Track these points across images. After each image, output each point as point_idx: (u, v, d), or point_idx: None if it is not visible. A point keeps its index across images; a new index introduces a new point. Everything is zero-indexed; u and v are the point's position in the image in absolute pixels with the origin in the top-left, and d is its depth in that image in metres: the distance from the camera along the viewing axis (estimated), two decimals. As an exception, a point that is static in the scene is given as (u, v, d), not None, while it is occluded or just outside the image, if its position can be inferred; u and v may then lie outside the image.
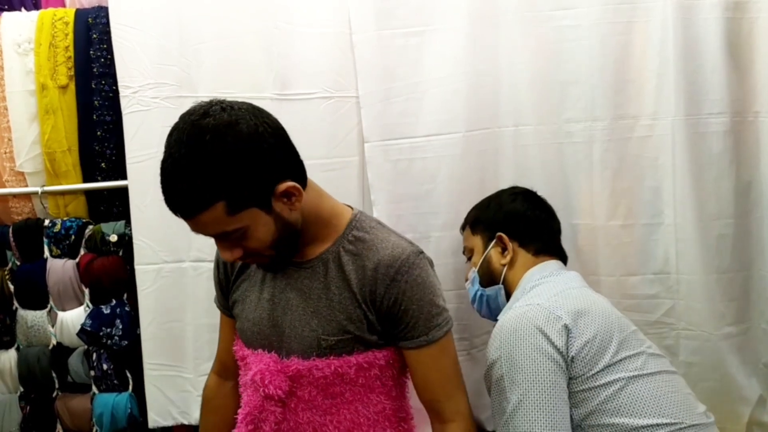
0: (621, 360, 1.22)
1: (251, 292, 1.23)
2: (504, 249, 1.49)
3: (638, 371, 1.21)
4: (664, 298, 1.69)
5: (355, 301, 1.13)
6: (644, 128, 1.67)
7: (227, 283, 1.30)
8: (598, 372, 1.20)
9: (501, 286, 1.49)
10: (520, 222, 1.50)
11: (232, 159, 0.98)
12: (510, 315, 1.28)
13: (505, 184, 1.68)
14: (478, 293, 1.53)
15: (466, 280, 1.60)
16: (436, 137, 1.72)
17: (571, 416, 1.19)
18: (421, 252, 1.18)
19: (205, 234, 1.05)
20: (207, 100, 1.04)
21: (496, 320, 1.35)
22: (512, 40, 1.69)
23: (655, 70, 1.65)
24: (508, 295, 1.47)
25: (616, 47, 1.66)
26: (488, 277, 1.51)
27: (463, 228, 1.64)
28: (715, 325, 1.67)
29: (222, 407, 1.39)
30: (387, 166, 1.75)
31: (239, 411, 1.20)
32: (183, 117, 1.02)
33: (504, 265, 1.47)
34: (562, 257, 1.52)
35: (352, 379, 1.15)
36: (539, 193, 1.58)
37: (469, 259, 1.60)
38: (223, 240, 1.07)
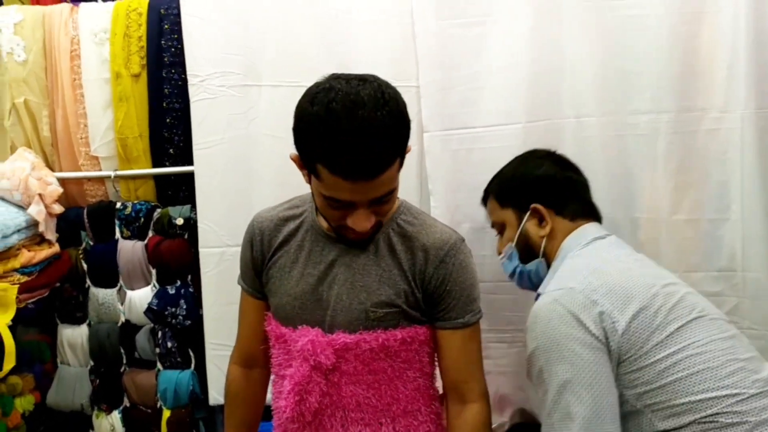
0: (671, 334, 1.15)
1: (292, 267, 1.24)
2: (541, 220, 1.41)
3: (690, 341, 1.15)
4: (729, 296, 1.64)
5: (404, 278, 1.19)
6: (712, 121, 1.61)
7: (262, 261, 1.28)
8: (649, 350, 1.14)
9: (541, 259, 1.42)
10: (552, 188, 1.42)
11: (405, 111, 1.07)
12: (545, 301, 1.23)
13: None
14: (518, 269, 1.47)
15: (499, 254, 1.52)
16: (496, 127, 1.72)
17: (627, 398, 1.15)
18: (464, 240, 1.25)
19: (371, 196, 1.07)
20: (323, 77, 1.09)
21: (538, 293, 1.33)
22: (576, 29, 1.66)
23: (726, 62, 1.59)
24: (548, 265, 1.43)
25: (685, 38, 1.61)
26: (527, 251, 1.44)
27: (485, 200, 1.56)
28: (781, 325, 1.61)
29: (251, 398, 1.38)
30: (446, 156, 1.75)
31: (284, 383, 1.21)
32: (337, 86, 1.03)
33: (543, 237, 1.40)
34: (597, 217, 1.46)
35: (395, 352, 1.19)
36: (601, 186, 1.54)
37: (500, 233, 1.52)
38: (375, 204, 1.09)
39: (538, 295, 1.32)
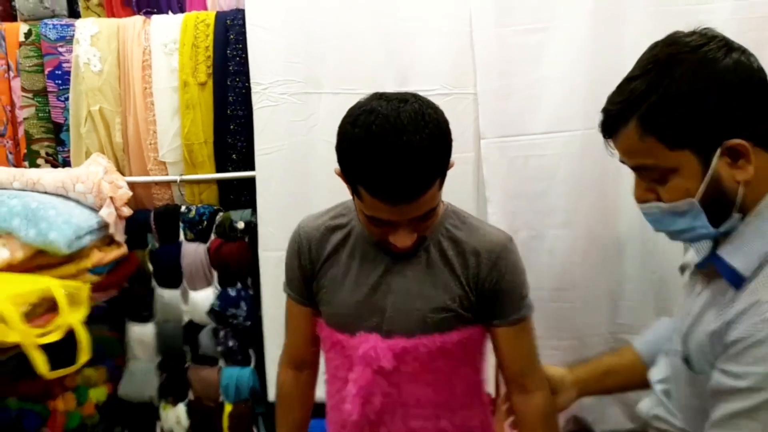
0: None
1: (345, 277, 1.24)
2: (739, 157, 0.89)
3: None
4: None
5: (458, 282, 1.20)
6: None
7: (312, 271, 1.28)
8: None
9: (739, 215, 0.93)
10: (757, 109, 0.90)
11: (447, 129, 1.06)
12: None
13: (624, 185, 1.63)
14: (702, 232, 0.95)
15: (644, 201, 0.98)
16: (555, 135, 1.71)
17: None
18: (512, 239, 1.25)
19: (412, 216, 1.07)
20: (367, 95, 1.09)
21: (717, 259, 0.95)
22: (639, 36, 1.62)
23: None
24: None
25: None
26: (716, 205, 0.92)
27: (614, 126, 0.97)
28: None
29: (302, 399, 1.40)
30: (503, 163, 1.75)
31: (348, 388, 1.23)
32: (378, 107, 1.03)
33: (739, 183, 0.91)
34: None
35: (451, 352, 1.21)
36: None
37: (657, 180, 0.95)
38: (415, 221, 1.09)
39: (736, 276, 0.91)
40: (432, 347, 1.20)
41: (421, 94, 1.79)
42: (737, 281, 0.91)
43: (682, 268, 1.15)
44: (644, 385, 1.20)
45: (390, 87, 1.78)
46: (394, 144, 1.00)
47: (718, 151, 0.89)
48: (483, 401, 1.33)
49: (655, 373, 1.13)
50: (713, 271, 0.97)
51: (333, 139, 1.81)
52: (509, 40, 1.72)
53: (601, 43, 1.66)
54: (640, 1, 1.64)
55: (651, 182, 0.96)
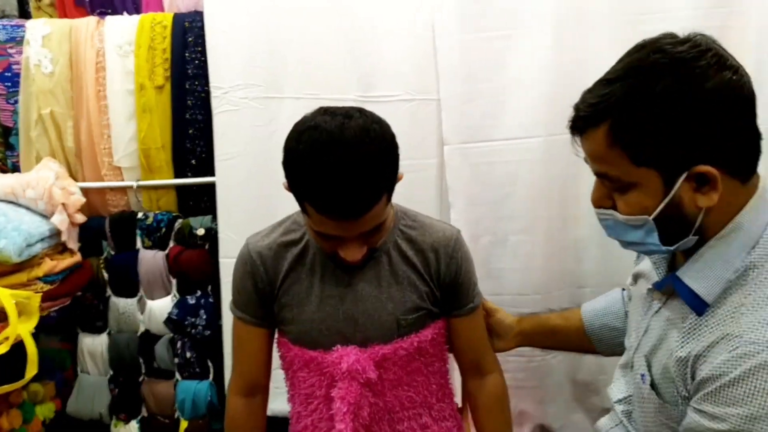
0: None
1: (308, 293, 1.22)
2: (705, 183, 0.85)
3: None
4: None
5: (422, 279, 1.23)
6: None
7: (271, 291, 1.25)
8: None
9: (694, 238, 0.91)
10: (736, 136, 0.85)
11: (393, 143, 1.08)
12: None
13: (585, 190, 1.63)
14: (649, 248, 0.95)
15: (601, 206, 0.96)
16: (517, 141, 1.71)
17: None
18: (460, 231, 1.30)
19: (360, 231, 1.07)
20: (315, 108, 1.10)
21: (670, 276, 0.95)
22: (599, 44, 1.66)
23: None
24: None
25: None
26: (671, 225, 0.90)
27: (583, 127, 0.92)
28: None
29: (254, 428, 1.33)
30: (466, 169, 1.75)
31: (335, 405, 1.20)
32: (322, 123, 1.03)
33: (701, 209, 0.88)
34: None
35: (427, 351, 1.25)
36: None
37: (609, 182, 0.93)
38: (363, 236, 1.10)
39: (699, 302, 0.90)
40: (410, 349, 1.22)
41: (384, 99, 1.81)
42: (700, 307, 0.90)
43: (635, 277, 1.14)
44: (582, 350, 1.38)
45: (353, 92, 1.79)
46: (338, 161, 0.99)
47: (685, 175, 0.85)
48: (451, 391, 1.37)
49: (615, 392, 1.11)
50: (671, 288, 0.96)
51: (295, 144, 1.82)
52: (473, 46, 1.72)
53: (564, 51, 1.68)
54: (602, 9, 1.66)
55: (611, 190, 0.93)
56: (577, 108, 0.93)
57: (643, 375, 0.99)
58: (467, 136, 1.74)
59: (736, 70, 0.85)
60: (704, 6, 1.61)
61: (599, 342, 1.32)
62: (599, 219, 0.98)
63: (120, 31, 1.95)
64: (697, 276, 0.90)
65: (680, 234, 0.91)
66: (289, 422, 1.34)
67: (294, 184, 1.07)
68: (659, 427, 0.97)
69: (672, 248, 0.92)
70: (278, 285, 1.24)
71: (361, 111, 1.07)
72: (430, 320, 1.25)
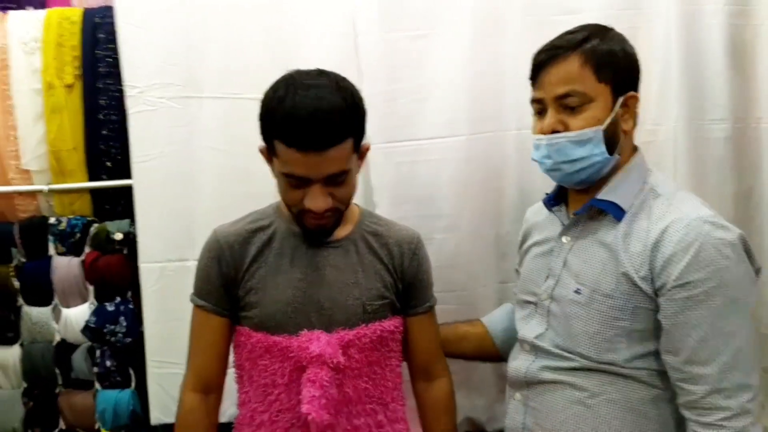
0: None
1: (276, 275, 1.25)
2: (628, 110, 1.22)
3: None
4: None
5: (387, 271, 1.30)
6: (646, 133, 1.67)
7: (235, 276, 1.26)
8: None
9: (617, 157, 1.21)
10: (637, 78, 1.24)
11: (361, 104, 1.19)
12: (715, 225, 1.10)
13: (509, 187, 1.69)
14: (597, 159, 1.18)
15: (552, 131, 1.20)
16: (440, 140, 1.73)
17: None
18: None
19: (325, 172, 1.13)
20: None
21: (579, 188, 1.26)
22: (516, 44, 1.69)
23: (658, 75, 1.66)
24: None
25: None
26: (608, 143, 1.18)
27: (560, 54, 1.19)
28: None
29: (209, 427, 1.30)
30: (390, 169, 1.76)
31: (306, 391, 1.18)
32: (297, 76, 1.15)
33: (625, 132, 1.22)
34: None
35: (386, 342, 1.29)
36: (540, 193, 1.50)
37: (571, 106, 1.18)
38: (329, 183, 1.15)
39: (619, 210, 1.19)
40: (373, 336, 1.26)
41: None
42: (619, 214, 1.19)
43: (524, 253, 1.43)
44: (491, 356, 1.53)
45: (274, 91, 1.75)
46: (310, 94, 1.10)
47: (622, 98, 1.19)
48: (403, 395, 1.38)
49: (529, 332, 1.31)
50: (584, 222, 1.25)
51: (216, 145, 1.78)
52: (394, 45, 1.73)
53: (482, 49, 1.71)
54: (517, 10, 1.70)
55: (565, 113, 1.19)
56: (551, 45, 1.22)
57: (577, 290, 1.21)
58: (390, 136, 1.75)
59: None
60: (615, 7, 1.67)
61: (502, 344, 1.49)
62: (548, 145, 1.21)
63: (25, 26, 1.86)
64: (614, 194, 1.20)
65: (610, 151, 1.19)
66: (233, 427, 1.33)
67: (267, 125, 1.14)
68: (600, 325, 1.17)
69: (611, 156, 1.19)
70: (245, 269, 1.26)
71: (334, 72, 1.19)
72: (391, 313, 1.30)
